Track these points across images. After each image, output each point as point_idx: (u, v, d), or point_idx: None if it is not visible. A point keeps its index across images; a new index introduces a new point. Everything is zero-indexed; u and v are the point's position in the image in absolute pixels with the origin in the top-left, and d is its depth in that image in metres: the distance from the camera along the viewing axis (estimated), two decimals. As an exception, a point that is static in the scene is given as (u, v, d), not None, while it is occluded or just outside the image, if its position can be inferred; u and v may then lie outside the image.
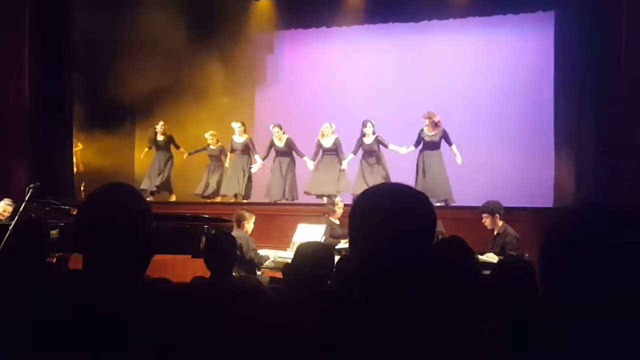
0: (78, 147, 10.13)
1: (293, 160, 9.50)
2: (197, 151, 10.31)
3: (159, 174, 10.25)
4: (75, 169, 9.89)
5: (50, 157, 8.92)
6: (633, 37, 7.58)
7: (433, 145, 8.74)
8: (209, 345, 1.58)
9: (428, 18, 10.63)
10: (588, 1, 8.77)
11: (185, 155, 10.38)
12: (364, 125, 8.96)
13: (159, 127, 10.24)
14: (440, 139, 8.73)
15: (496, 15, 10.43)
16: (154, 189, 10.26)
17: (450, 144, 8.77)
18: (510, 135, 10.28)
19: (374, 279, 1.21)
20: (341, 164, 9.05)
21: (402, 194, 1.28)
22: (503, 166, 9.99)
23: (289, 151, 9.47)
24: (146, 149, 10.57)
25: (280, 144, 9.47)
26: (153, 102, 10.54)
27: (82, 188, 9.78)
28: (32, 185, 6.16)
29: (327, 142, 9.18)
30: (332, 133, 9.15)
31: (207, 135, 10.00)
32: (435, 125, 8.57)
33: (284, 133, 9.42)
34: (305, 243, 3.19)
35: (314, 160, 9.24)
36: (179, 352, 1.45)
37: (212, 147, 10.05)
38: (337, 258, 3.44)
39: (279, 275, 5.39)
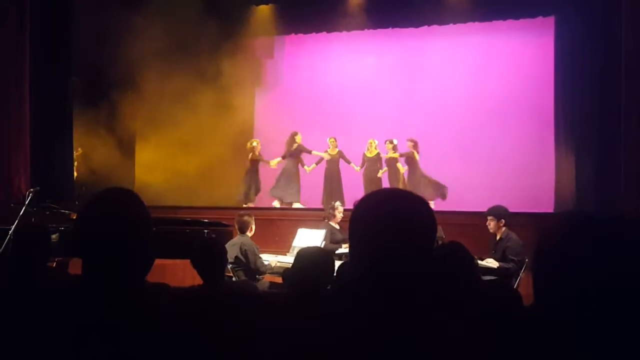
0: (78, 151, 10.14)
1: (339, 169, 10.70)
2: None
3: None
4: (75, 173, 9.89)
5: (50, 161, 8.93)
6: (633, 42, 7.59)
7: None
8: (207, 351, 1.58)
9: (428, 23, 10.65)
10: (588, 6, 8.79)
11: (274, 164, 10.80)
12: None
13: (256, 144, 10.71)
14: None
15: (496, 20, 10.43)
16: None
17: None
18: (510, 140, 10.28)
19: (374, 284, 1.21)
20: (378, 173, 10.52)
21: (402, 199, 1.27)
22: (503, 171, 10.00)
23: (338, 160, 10.60)
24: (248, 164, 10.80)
25: (333, 153, 10.60)
26: (153, 106, 10.55)
27: (82, 192, 9.78)
28: (32, 190, 6.17)
29: (370, 154, 10.56)
30: (375, 148, 10.47)
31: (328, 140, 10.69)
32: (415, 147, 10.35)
33: (336, 146, 10.60)
34: (305, 248, 3.18)
35: (361, 168, 10.62)
36: (178, 357, 1.45)
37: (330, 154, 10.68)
38: (337, 263, 3.44)
39: (279, 280, 5.37)
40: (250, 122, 11.85)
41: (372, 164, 10.49)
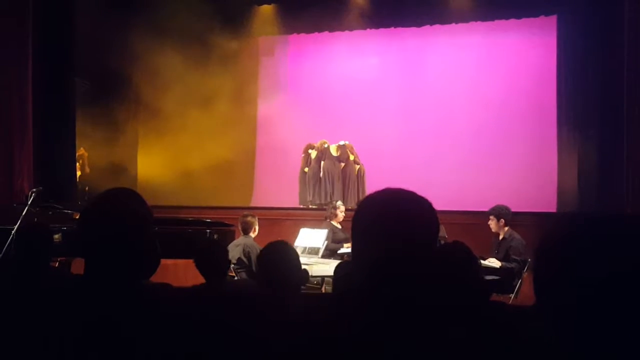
0: (81, 151, 10.15)
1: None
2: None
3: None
4: (78, 173, 9.91)
5: (53, 161, 8.93)
6: (635, 40, 7.57)
7: None
8: (208, 350, 1.58)
9: (430, 23, 10.63)
10: (590, 5, 8.77)
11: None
12: None
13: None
14: None
15: (499, 19, 10.42)
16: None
17: None
18: (512, 139, 10.27)
19: (376, 284, 1.21)
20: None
21: (405, 199, 1.27)
22: (505, 171, 9.99)
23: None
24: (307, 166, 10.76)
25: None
26: (156, 107, 10.56)
27: (85, 192, 9.79)
28: (34, 190, 6.16)
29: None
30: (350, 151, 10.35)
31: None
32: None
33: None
34: (262, 249, 3.20)
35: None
36: (179, 356, 1.45)
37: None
38: (337, 262, 3.44)
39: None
40: (254, 122, 11.85)
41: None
